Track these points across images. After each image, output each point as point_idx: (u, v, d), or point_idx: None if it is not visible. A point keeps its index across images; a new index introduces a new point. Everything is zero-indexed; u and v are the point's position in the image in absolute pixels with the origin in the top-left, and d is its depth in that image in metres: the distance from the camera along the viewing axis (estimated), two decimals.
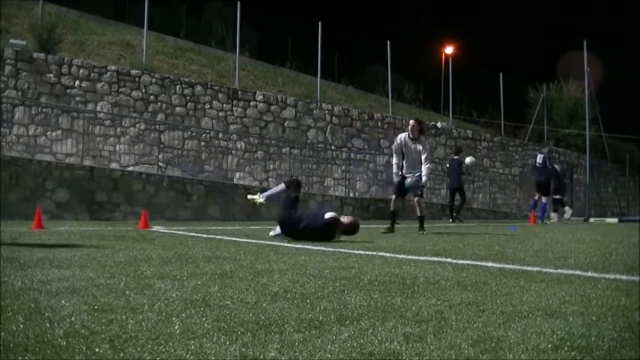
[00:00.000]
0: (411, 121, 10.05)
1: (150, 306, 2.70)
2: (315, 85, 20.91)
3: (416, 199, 9.96)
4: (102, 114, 16.07)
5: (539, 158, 16.31)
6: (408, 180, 9.76)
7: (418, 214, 9.90)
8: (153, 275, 3.75)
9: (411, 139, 9.81)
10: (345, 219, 7.68)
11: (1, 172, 10.68)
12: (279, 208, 7.85)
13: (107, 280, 3.52)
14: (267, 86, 21.24)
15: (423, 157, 9.67)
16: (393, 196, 10.09)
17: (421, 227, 9.74)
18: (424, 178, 9.67)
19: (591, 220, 20.58)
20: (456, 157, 16.75)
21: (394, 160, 9.94)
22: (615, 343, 2.11)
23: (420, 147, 9.73)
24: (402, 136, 9.98)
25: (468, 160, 16.83)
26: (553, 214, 17.92)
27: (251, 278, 3.70)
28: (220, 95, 18.17)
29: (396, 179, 9.93)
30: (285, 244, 6.58)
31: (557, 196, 16.98)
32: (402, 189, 9.93)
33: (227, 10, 22.64)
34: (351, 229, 7.62)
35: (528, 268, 4.35)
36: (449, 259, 5.00)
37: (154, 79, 17.18)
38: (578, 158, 26.74)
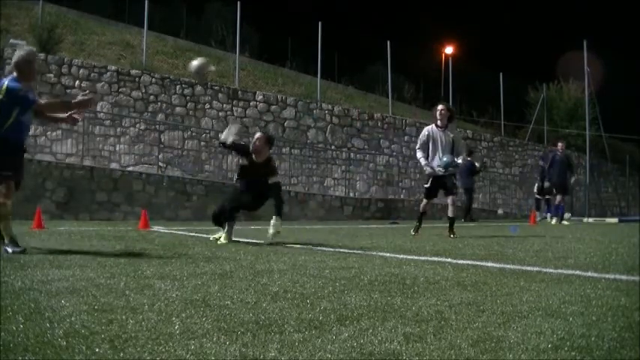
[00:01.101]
0: (440, 107, 8.68)
1: (150, 306, 2.70)
2: (315, 85, 20.90)
3: (450, 198, 8.64)
4: (102, 114, 16.06)
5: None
6: (442, 167, 8.43)
7: (450, 214, 8.67)
8: (153, 275, 3.75)
9: (440, 129, 8.56)
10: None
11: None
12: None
13: (107, 280, 3.52)
14: (267, 86, 21.23)
15: (460, 148, 8.61)
16: (425, 201, 8.89)
17: (451, 229, 8.55)
18: (459, 160, 8.57)
19: (586, 220, 20.58)
20: (468, 159, 16.91)
21: (419, 155, 8.63)
22: (615, 343, 2.12)
23: (452, 136, 8.55)
24: (428, 128, 8.68)
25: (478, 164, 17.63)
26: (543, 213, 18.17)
27: (251, 278, 3.70)
28: (220, 95, 18.17)
29: (427, 170, 8.61)
30: (285, 245, 6.58)
31: (548, 197, 17.16)
32: (434, 192, 8.76)
33: (227, 10, 22.65)
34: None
35: (528, 268, 4.35)
36: (449, 259, 5.00)
37: (154, 79, 17.17)
38: (578, 158, 26.72)
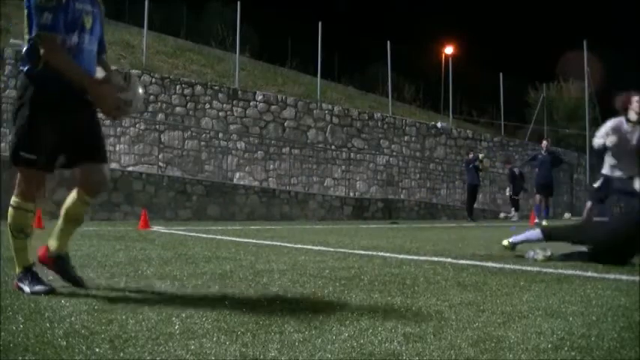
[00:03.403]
0: (636, 97, 6.12)
1: (150, 306, 2.70)
2: (315, 85, 20.90)
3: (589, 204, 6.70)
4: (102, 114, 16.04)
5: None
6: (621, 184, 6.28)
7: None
8: (153, 275, 3.75)
9: (631, 123, 6.13)
10: None
11: (1, 172, 10.58)
12: None
13: (107, 280, 3.52)
14: (267, 86, 21.22)
15: None
16: (589, 204, 7.00)
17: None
18: None
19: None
20: (470, 156, 17.30)
21: (611, 163, 6.33)
22: (615, 343, 2.12)
23: None
24: (617, 124, 6.23)
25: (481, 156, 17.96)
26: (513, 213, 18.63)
27: (251, 278, 3.70)
28: (220, 95, 18.16)
29: (597, 143, 6.33)
30: (286, 244, 6.57)
31: (515, 197, 17.58)
32: (602, 196, 6.52)
33: (227, 10, 22.63)
34: None
35: (528, 268, 4.35)
36: (449, 259, 5.00)
37: (154, 79, 17.17)
38: (578, 158, 26.73)
